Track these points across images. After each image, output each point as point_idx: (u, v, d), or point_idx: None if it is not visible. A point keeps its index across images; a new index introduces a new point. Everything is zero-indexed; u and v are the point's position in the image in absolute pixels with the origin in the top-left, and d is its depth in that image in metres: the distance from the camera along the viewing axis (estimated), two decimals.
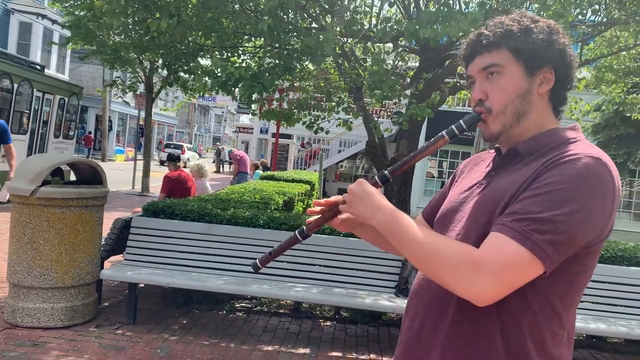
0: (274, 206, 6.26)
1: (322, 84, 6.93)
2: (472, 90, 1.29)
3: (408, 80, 6.56)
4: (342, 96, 6.93)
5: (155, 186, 13.56)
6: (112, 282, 5.42)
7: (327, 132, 6.62)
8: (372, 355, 4.27)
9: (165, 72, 11.72)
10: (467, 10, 4.71)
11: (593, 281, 4.32)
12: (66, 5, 10.16)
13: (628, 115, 10.60)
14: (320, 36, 4.62)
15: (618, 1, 5.57)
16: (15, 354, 3.65)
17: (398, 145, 6.66)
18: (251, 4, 5.31)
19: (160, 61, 6.00)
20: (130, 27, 5.40)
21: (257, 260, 1.45)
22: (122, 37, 6.18)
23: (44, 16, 24.90)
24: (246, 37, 5.88)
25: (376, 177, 1.32)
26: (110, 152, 29.74)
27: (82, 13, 7.32)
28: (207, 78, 5.34)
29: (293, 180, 10.39)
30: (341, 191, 20.85)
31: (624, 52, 7.46)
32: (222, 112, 67.40)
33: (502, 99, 1.21)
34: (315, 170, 15.11)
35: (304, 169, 20.61)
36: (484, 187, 1.26)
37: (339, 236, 4.65)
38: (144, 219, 4.84)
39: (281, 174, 11.40)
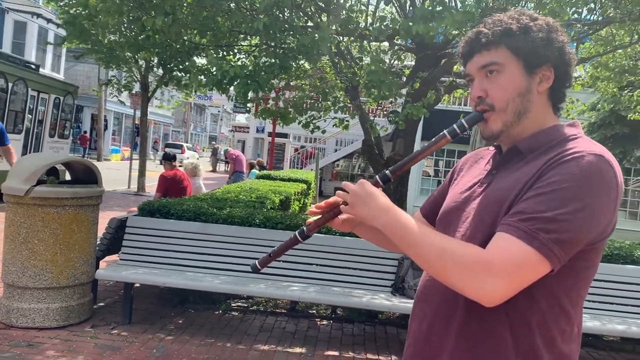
0: (270, 205, 6.25)
1: (318, 83, 6.91)
2: (470, 88, 1.28)
3: (404, 79, 6.55)
4: (338, 95, 6.91)
5: (151, 185, 13.52)
6: (107, 282, 5.39)
7: (324, 132, 6.60)
8: (369, 355, 4.26)
9: (160, 71, 11.69)
10: (461, 7, 4.70)
11: None
12: (61, 4, 10.12)
13: (623, 114, 10.64)
14: (316, 35, 4.61)
15: (613, 0, 5.58)
16: (9, 355, 3.63)
17: (394, 144, 6.66)
18: (247, 3, 5.30)
19: (156, 60, 5.97)
20: (125, 25, 5.38)
21: (256, 262, 1.44)
22: (117, 35, 6.15)
23: (39, 15, 24.82)
24: (242, 35, 5.86)
25: (377, 177, 1.30)
26: (105, 151, 29.65)
27: (77, 12, 7.28)
28: (202, 77, 5.32)
29: (289, 180, 10.37)
30: (338, 190, 20.81)
31: (619, 51, 7.48)
32: (219, 111, 67.31)
33: (502, 96, 1.21)
34: (312, 170, 15.11)
35: (301, 168, 20.60)
36: (486, 186, 1.25)
37: (336, 235, 4.64)
38: (140, 218, 4.82)
39: (277, 173, 11.39)
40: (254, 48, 6.16)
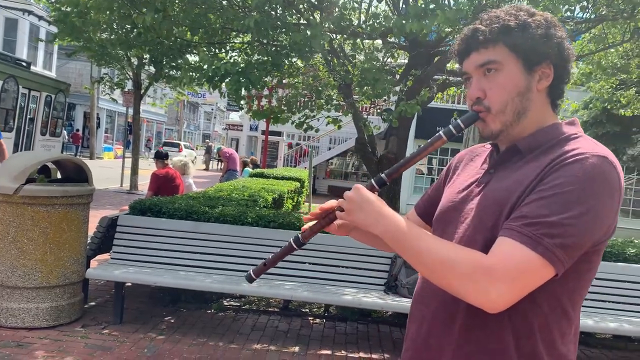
0: (263, 204, 6.23)
1: (312, 81, 6.89)
2: (467, 87, 1.24)
3: (397, 77, 6.53)
4: (331, 93, 6.89)
5: (144, 184, 13.45)
6: (98, 281, 5.35)
7: (317, 130, 6.57)
8: (362, 353, 4.25)
9: (153, 69, 11.62)
10: (454, 5, 4.69)
11: None
12: (52, 0, 10.03)
13: (615, 112, 10.67)
14: (308, 32, 4.58)
15: None
16: None
17: (387, 142, 6.65)
18: (239, 0, 5.26)
19: (147, 57, 5.91)
20: (116, 22, 5.33)
21: (250, 272, 1.40)
22: (108, 32, 6.09)
23: (30, 12, 24.63)
24: (234, 33, 5.82)
25: (372, 180, 1.26)
26: (98, 149, 29.48)
27: (68, 9, 7.22)
28: (193, 73, 5.28)
29: (283, 178, 10.35)
30: (331, 188, 20.83)
31: (612, 49, 7.49)
32: (212, 109, 67.13)
33: (501, 97, 1.18)
34: (305, 168, 15.08)
35: (294, 166, 20.56)
36: (484, 185, 1.22)
37: (328, 234, 4.60)
38: (131, 217, 4.78)
39: (270, 172, 11.37)
40: (246, 45, 6.12)
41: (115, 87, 14.06)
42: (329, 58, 5.66)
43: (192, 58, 6.60)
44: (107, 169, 20.44)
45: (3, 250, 4.07)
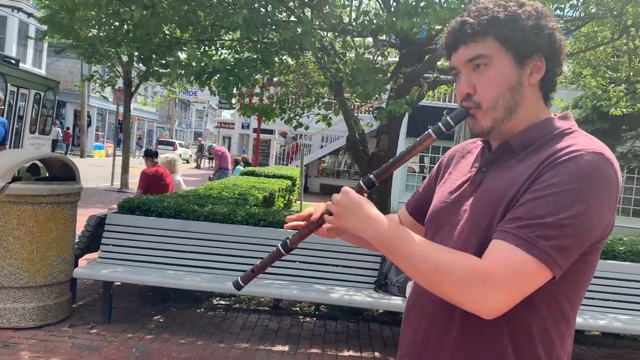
0: (254, 202, 6.20)
1: (302, 79, 6.86)
2: (457, 82, 1.20)
3: (388, 75, 6.52)
4: (322, 91, 6.87)
5: (135, 182, 13.38)
6: (87, 280, 5.30)
7: (307, 128, 6.55)
8: (352, 352, 4.24)
9: (142, 66, 11.53)
10: (445, 3, 4.68)
11: None
12: None
13: (605, 110, 10.72)
14: (299, 29, 4.56)
15: None
16: None
17: (378, 140, 6.64)
18: None
19: (136, 54, 5.85)
20: (104, 19, 5.28)
21: (238, 279, 1.35)
22: (97, 30, 6.03)
23: (19, 9, 24.41)
24: (223, 30, 5.78)
25: (361, 182, 1.20)
26: (89, 147, 29.28)
27: (56, 7, 7.14)
28: (182, 70, 5.24)
29: (274, 176, 10.32)
30: (324, 186, 20.81)
31: (601, 47, 7.52)
32: (204, 108, 66.84)
33: (492, 92, 1.13)
34: (297, 166, 15.05)
35: (286, 164, 20.53)
36: (477, 185, 1.18)
37: None
38: (119, 215, 4.74)
39: (262, 170, 11.34)
40: (236, 43, 6.08)
41: (105, 85, 13.97)
42: (320, 55, 5.63)
43: (182, 55, 6.55)
44: (98, 168, 20.32)
45: None
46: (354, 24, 5.42)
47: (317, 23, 5.08)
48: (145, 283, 4.34)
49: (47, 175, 4.89)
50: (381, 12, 5.73)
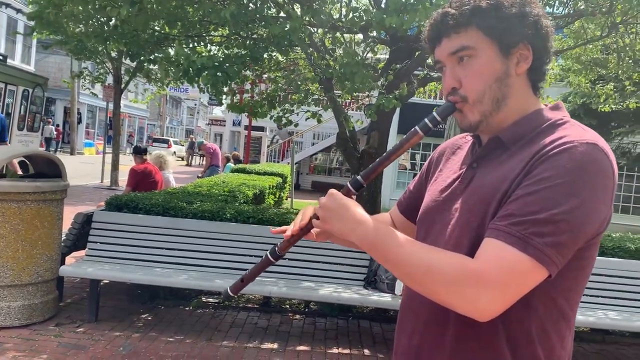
0: (243, 199, 6.16)
1: (292, 75, 6.82)
2: (442, 76, 1.16)
3: (379, 72, 6.50)
4: (312, 88, 6.83)
5: (125, 179, 13.29)
6: (74, 278, 5.25)
7: (296, 125, 6.52)
8: (341, 349, 4.23)
9: (131, 63, 11.44)
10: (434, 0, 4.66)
11: None
12: None
13: (593, 107, 10.76)
14: (287, 25, 4.52)
15: None
16: None
17: (369, 137, 6.62)
18: None
19: (124, 50, 5.78)
20: (92, 14, 5.21)
21: (227, 289, 1.31)
22: (84, 25, 5.96)
23: (7, 5, 24.16)
24: (212, 26, 5.74)
25: (348, 184, 1.16)
26: (79, 145, 29.08)
27: (44, 2, 7.05)
28: (171, 68, 5.19)
29: (265, 173, 10.29)
30: (315, 184, 20.78)
31: (590, 45, 7.55)
32: (195, 105, 66.53)
33: (478, 85, 1.09)
34: (289, 163, 15.01)
35: (278, 161, 20.48)
36: (468, 182, 1.14)
37: None
38: (106, 213, 4.70)
39: (253, 167, 11.30)
40: (224, 39, 6.03)
41: (95, 82, 13.85)
42: (309, 52, 5.60)
43: (171, 52, 6.49)
44: (88, 165, 20.18)
45: None
46: (343, 20, 5.38)
47: (306, 19, 5.04)
48: (133, 281, 4.31)
49: (33, 172, 4.83)
50: (371, 8, 5.70)
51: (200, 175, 12.38)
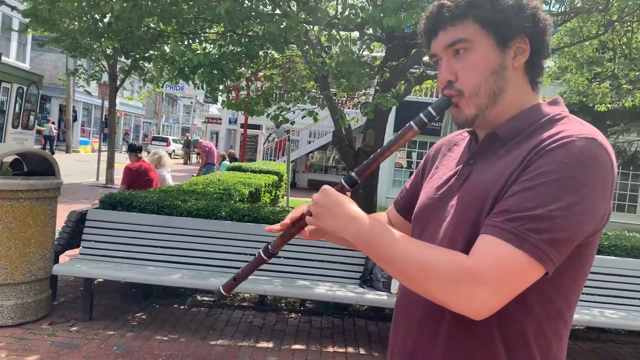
0: (239, 197, 6.14)
1: (288, 73, 6.79)
2: (438, 69, 1.13)
3: (375, 69, 6.48)
4: (307, 86, 6.80)
5: (120, 177, 13.24)
6: (69, 277, 5.22)
7: (292, 123, 6.49)
8: (336, 348, 4.21)
9: (126, 60, 11.39)
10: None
11: None
12: None
13: (590, 105, 10.76)
14: (283, 22, 4.49)
15: None
16: None
17: (365, 135, 6.60)
18: None
19: (118, 47, 5.75)
20: (85, 10, 5.17)
21: (220, 287, 1.28)
22: (77, 22, 5.91)
23: (2, 2, 24.02)
24: (207, 23, 5.70)
25: (342, 180, 1.14)
26: (75, 143, 28.95)
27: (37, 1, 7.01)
28: (166, 65, 5.15)
29: (261, 172, 10.26)
30: (311, 182, 20.75)
31: (587, 42, 7.54)
32: (191, 103, 66.34)
33: (474, 78, 1.07)
34: (285, 161, 14.98)
35: (274, 160, 20.43)
36: (464, 179, 1.12)
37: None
38: (100, 211, 4.66)
39: (249, 165, 11.26)
40: (220, 36, 6.00)
41: (90, 79, 13.78)
42: (305, 49, 5.58)
43: (167, 49, 6.45)
44: (84, 163, 20.11)
45: None
46: (339, 17, 5.36)
47: (302, 16, 5.02)
48: (127, 279, 4.28)
49: (26, 170, 4.79)
50: (367, 5, 5.68)
51: (194, 174, 12.35)
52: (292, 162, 12.45)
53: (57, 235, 4.57)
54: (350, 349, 4.21)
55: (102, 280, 4.90)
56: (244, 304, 5.11)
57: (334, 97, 6.40)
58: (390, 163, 16.75)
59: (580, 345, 4.77)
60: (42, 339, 3.85)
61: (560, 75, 9.28)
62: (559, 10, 6.07)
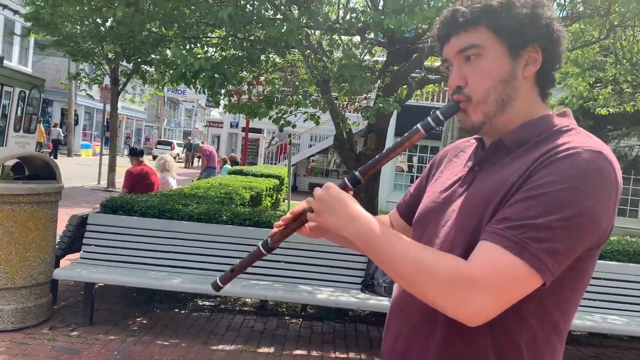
0: (240, 201, 6.13)
1: (289, 77, 6.80)
2: (449, 75, 1.13)
3: (377, 74, 6.48)
4: (309, 89, 6.80)
5: (122, 181, 13.23)
6: (69, 281, 5.21)
7: (294, 126, 6.50)
8: (337, 353, 4.19)
9: (128, 65, 11.40)
10: (432, 2, 4.64)
11: None
12: None
13: (591, 110, 10.76)
14: (284, 27, 4.50)
15: None
16: None
17: (366, 139, 6.59)
18: None
19: (120, 52, 5.75)
20: (87, 15, 5.18)
21: (217, 279, 1.28)
22: (79, 26, 5.93)
23: (5, 6, 24.11)
24: (209, 27, 5.71)
25: (346, 179, 1.15)
26: (76, 146, 28.99)
27: (41, 3, 7.03)
28: (167, 69, 5.15)
29: (262, 175, 10.25)
30: (312, 185, 20.74)
31: (589, 47, 7.53)
32: (193, 106, 66.44)
33: (483, 84, 1.07)
34: (286, 165, 14.98)
35: (275, 163, 20.44)
36: (468, 185, 1.11)
37: None
38: (101, 215, 4.66)
39: (250, 169, 11.25)
40: (221, 40, 6.01)
41: (92, 83, 13.80)
42: (306, 53, 5.58)
43: (168, 53, 6.46)
44: (85, 167, 20.12)
45: None
46: (340, 21, 5.36)
47: (303, 21, 5.02)
48: (128, 284, 4.27)
49: (27, 173, 4.78)
50: (368, 9, 5.68)
51: (194, 179, 12.35)
52: (293, 165, 12.44)
53: (58, 240, 4.57)
54: (352, 354, 4.19)
55: (102, 284, 4.88)
56: (245, 308, 5.09)
57: (336, 101, 6.40)
58: (391, 167, 16.75)
59: (582, 351, 4.74)
60: (43, 344, 3.84)
61: (562, 80, 9.26)
62: (561, 15, 6.07)
